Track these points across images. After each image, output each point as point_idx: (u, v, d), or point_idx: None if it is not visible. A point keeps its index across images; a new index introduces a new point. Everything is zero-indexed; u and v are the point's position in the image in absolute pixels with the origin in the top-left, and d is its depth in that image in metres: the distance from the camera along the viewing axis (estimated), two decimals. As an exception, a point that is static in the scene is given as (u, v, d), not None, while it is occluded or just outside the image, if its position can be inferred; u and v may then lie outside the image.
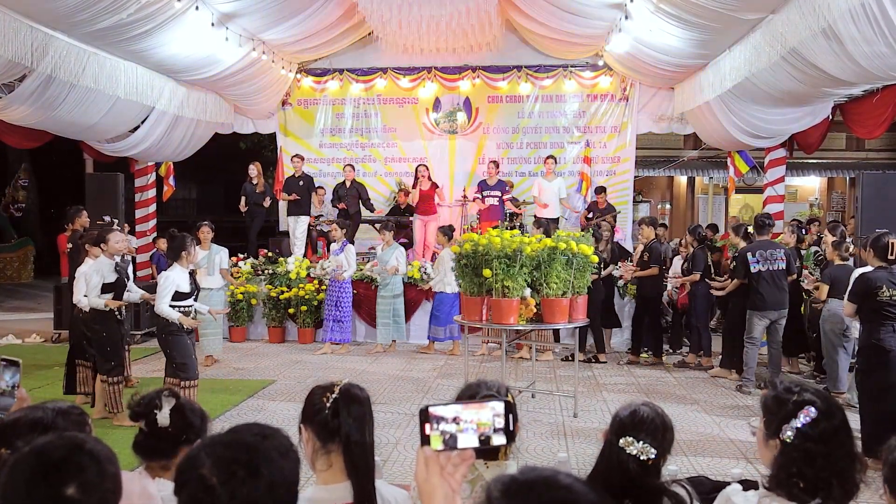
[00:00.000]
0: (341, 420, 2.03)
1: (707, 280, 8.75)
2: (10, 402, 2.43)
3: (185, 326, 6.01)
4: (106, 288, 6.30)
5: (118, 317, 6.43)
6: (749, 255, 7.64)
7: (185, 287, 6.04)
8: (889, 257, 5.50)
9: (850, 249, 7.56)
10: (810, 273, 8.43)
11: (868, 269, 5.80)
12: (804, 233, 9.76)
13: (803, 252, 9.42)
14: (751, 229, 8.33)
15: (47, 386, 7.63)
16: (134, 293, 6.75)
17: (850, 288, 5.82)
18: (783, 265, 7.61)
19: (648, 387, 7.92)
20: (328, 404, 2.05)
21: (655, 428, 2.25)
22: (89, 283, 6.33)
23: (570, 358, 8.95)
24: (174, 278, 6.01)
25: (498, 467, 2.37)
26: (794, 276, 8.09)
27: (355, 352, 9.68)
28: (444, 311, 9.43)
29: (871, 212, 8.43)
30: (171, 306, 5.99)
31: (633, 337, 9.28)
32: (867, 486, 1.99)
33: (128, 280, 6.65)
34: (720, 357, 8.62)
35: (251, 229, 11.73)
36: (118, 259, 6.54)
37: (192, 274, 6.26)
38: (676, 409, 6.86)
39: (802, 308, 8.70)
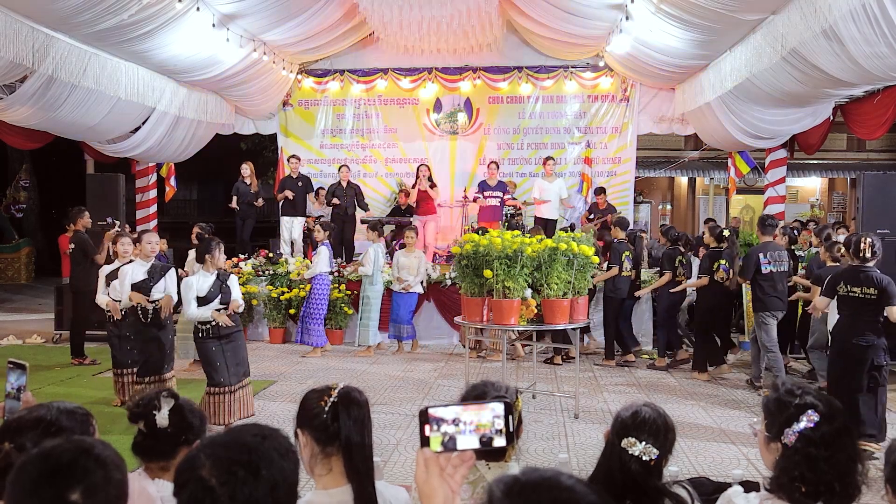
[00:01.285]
0: (341, 423, 2.03)
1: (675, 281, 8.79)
2: (16, 405, 2.43)
3: (220, 324, 5.83)
4: (131, 288, 6.28)
5: (142, 319, 6.24)
6: (761, 255, 7.54)
7: (203, 292, 5.86)
8: (860, 255, 5.75)
9: (842, 251, 7.61)
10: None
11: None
12: (796, 234, 9.85)
13: (802, 253, 9.46)
14: (726, 232, 8.35)
15: (48, 386, 7.63)
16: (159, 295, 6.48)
17: (824, 284, 6.20)
18: (786, 267, 7.68)
19: (649, 387, 7.92)
20: (327, 408, 2.05)
21: (657, 429, 2.25)
22: (121, 285, 6.33)
23: (549, 361, 9.04)
24: (192, 283, 5.87)
25: (500, 468, 2.37)
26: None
27: (392, 352, 9.68)
28: (411, 309, 9.55)
29: (871, 212, 8.48)
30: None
31: (605, 339, 9.22)
32: (868, 488, 1.98)
33: (153, 283, 6.37)
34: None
35: (244, 229, 11.68)
36: (153, 261, 6.46)
37: (221, 277, 6.01)
38: (678, 410, 6.86)
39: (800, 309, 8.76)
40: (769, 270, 7.50)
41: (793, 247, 8.69)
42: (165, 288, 6.34)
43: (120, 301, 6.61)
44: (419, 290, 9.61)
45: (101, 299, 7.03)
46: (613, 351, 8.95)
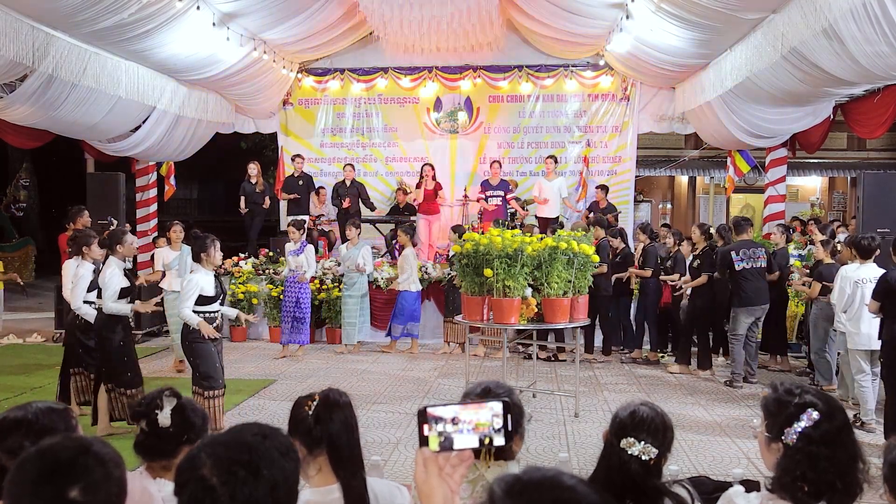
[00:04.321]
0: (323, 427, 2.12)
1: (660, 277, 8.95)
2: None
3: (205, 334, 5.62)
4: (122, 293, 5.95)
5: (131, 323, 6.03)
6: (733, 253, 7.93)
7: (210, 290, 5.67)
8: None
9: (839, 248, 7.67)
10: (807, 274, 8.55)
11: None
12: (791, 232, 9.98)
13: (803, 252, 9.49)
14: (713, 230, 8.68)
15: (48, 385, 7.62)
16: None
17: (874, 287, 6.01)
18: (764, 263, 7.92)
19: (649, 386, 7.92)
20: (310, 413, 2.15)
21: (656, 427, 2.24)
22: (107, 288, 5.89)
23: (552, 358, 9.09)
24: (198, 281, 5.65)
25: (499, 468, 2.37)
26: (777, 275, 8.32)
27: (360, 351, 9.67)
28: (407, 309, 9.45)
29: (872, 211, 8.48)
30: (195, 312, 5.63)
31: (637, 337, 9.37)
32: (869, 486, 1.98)
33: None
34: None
35: (251, 228, 11.73)
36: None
37: (218, 276, 5.90)
38: (678, 409, 6.86)
39: (797, 306, 8.85)
40: (742, 267, 7.84)
41: (792, 245, 8.76)
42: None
43: (96, 305, 6.17)
44: (409, 287, 9.45)
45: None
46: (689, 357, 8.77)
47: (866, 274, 6.39)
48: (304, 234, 9.38)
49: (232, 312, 6.28)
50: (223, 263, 10.65)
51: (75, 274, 6.31)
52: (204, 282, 5.68)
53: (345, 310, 9.53)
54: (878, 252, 6.56)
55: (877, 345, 6.09)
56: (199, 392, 5.65)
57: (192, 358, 5.72)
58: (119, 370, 5.92)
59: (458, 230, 9.56)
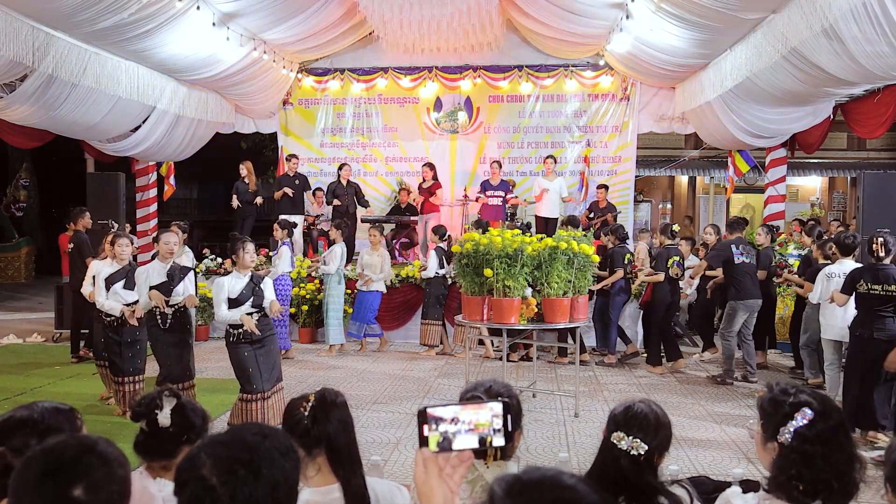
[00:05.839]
0: (321, 427, 2.13)
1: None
2: None
3: (247, 331, 5.52)
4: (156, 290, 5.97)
5: (160, 324, 5.99)
6: (733, 246, 8.06)
7: (235, 293, 5.57)
8: (873, 254, 5.97)
9: (833, 248, 7.74)
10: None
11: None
12: (777, 231, 10.17)
13: (804, 253, 9.55)
14: (676, 227, 9.08)
15: (48, 385, 7.63)
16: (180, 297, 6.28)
17: (843, 281, 6.32)
18: (755, 260, 8.16)
19: (650, 386, 7.92)
20: (307, 413, 2.15)
21: (648, 423, 2.25)
22: (140, 287, 6.03)
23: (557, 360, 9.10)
24: (223, 283, 5.59)
25: (498, 468, 2.37)
26: (764, 274, 8.45)
27: (355, 351, 9.68)
28: (370, 308, 9.46)
29: (872, 211, 8.51)
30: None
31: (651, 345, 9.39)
32: (868, 486, 1.98)
33: (174, 285, 6.09)
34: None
35: (243, 228, 11.68)
36: (171, 262, 6.16)
37: (254, 279, 5.74)
38: (678, 409, 6.87)
39: (786, 309, 8.97)
40: (741, 261, 8.00)
41: (791, 245, 8.86)
42: (185, 290, 6.09)
43: (129, 304, 6.31)
44: (381, 288, 9.52)
45: (110, 305, 6.29)
46: (659, 357, 8.74)
47: (837, 269, 6.72)
48: (287, 234, 9.40)
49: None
50: (223, 263, 10.74)
51: (95, 271, 6.57)
52: (231, 284, 5.62)
53: (329, 309, 9.52)
54: (857, 250, 6.92)
55: (844, 335, 6.35)
56: (240, 398, 5.65)
57: (231, 361, 5.71)
58: (159, 363, 6.12)
59: (438, 231, 9.61)
